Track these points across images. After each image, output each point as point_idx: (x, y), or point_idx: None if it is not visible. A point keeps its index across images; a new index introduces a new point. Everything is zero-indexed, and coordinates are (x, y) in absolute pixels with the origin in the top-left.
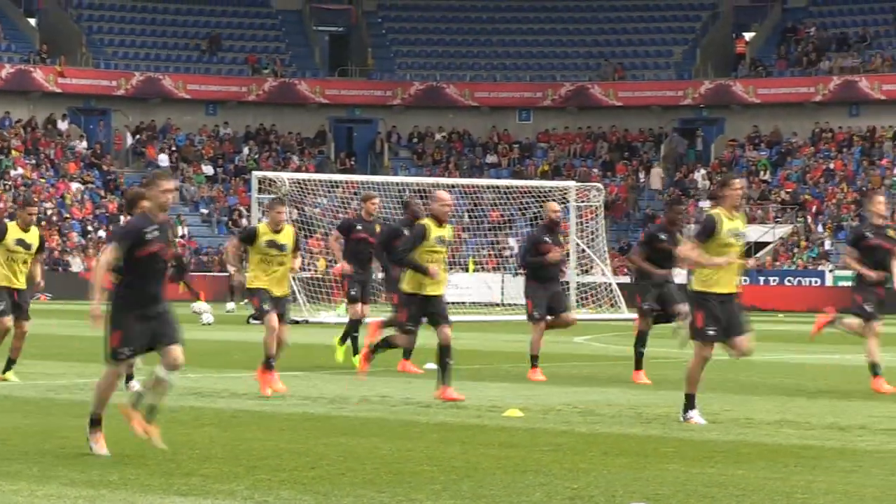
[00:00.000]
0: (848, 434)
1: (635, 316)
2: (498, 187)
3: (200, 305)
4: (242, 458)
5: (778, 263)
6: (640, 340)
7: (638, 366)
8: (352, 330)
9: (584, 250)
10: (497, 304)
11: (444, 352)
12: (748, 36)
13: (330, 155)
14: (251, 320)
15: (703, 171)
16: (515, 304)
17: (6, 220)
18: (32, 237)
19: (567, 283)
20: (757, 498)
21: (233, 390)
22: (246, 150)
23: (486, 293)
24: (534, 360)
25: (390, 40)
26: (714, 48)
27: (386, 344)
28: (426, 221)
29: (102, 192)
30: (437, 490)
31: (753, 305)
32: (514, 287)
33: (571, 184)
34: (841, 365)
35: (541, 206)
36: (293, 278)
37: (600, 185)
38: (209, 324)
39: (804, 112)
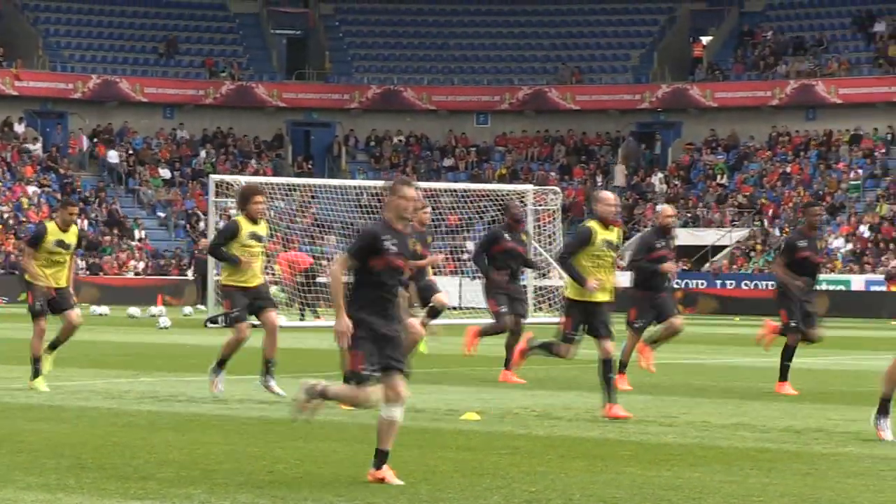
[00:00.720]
0: (804, 437)
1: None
2: (455, 191)
3: (158, 309)
4: (199, 462)
5: (735, 267)
6: (787, 354)
7: (783, 377)
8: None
9: (541, 254)
10: (455, 308)
11: (606, 366)
12: (705, 40)
13: (287, 158)
14: (208, 324)
15: (660, 175)
16: (473, 308)
17: (45, 221)
18: (71, 237)
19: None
20: (713, 501)
21: (190, 394)
22: (203, 154)
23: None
24: (622, 367)
25: (348, 43)
26: (671, 52)
27: (545, 351)
28: (592, 224)
29: (59, 196)
30: (394, 494)
31: (713, 308)
32: (472, 291)
33: (529, 187)
34: (798, 369)
35: (499, 210)
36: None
37: (557, 189)
38: (166, 328)
39: (761, 116)
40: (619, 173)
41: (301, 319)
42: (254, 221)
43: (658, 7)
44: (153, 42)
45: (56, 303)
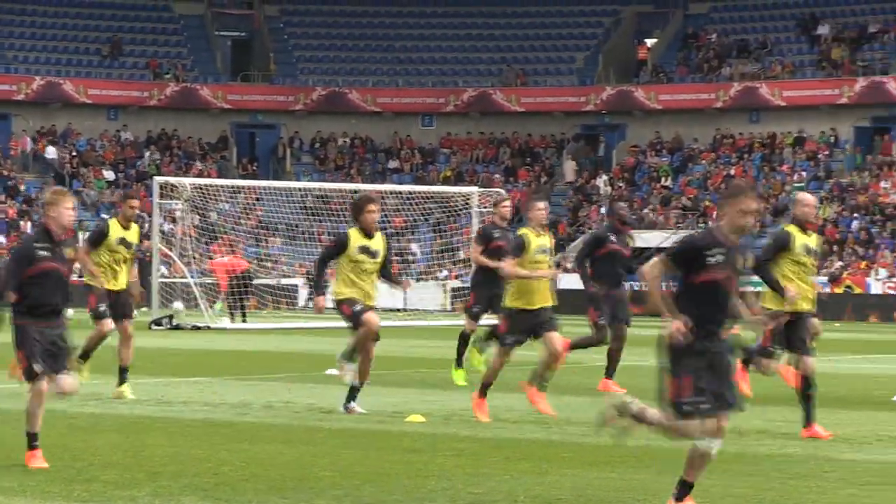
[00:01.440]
0: (747, 438)
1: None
2: (401, 193)
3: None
4: (144, 465)
5: None
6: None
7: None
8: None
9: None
10: (400, 310)
11: (806, 385)
12: (650, 42)
13: (232, 160)
14: (153, 326)
15: (605, 177)
16: (418, 310)
17: (108, 219)
18: (133, 235)
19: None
20: (657, 502)
21: (134, 396)
22: (147, 155)
23: (388, 299)
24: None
25: (293, 45)
26: (616, 54)
27: (762, 356)
28: (790, 228)
29: (2, 198)
30: (339, 496)
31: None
32: (417, 293)
33: (474, 189)
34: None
35: (444, 212)
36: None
37: (502, 191)
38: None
39: (705, 118)
40: (569, 169)
41: (233, 321)
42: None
43: (603, 9)
44: (97, 43)
45: (114, 306)
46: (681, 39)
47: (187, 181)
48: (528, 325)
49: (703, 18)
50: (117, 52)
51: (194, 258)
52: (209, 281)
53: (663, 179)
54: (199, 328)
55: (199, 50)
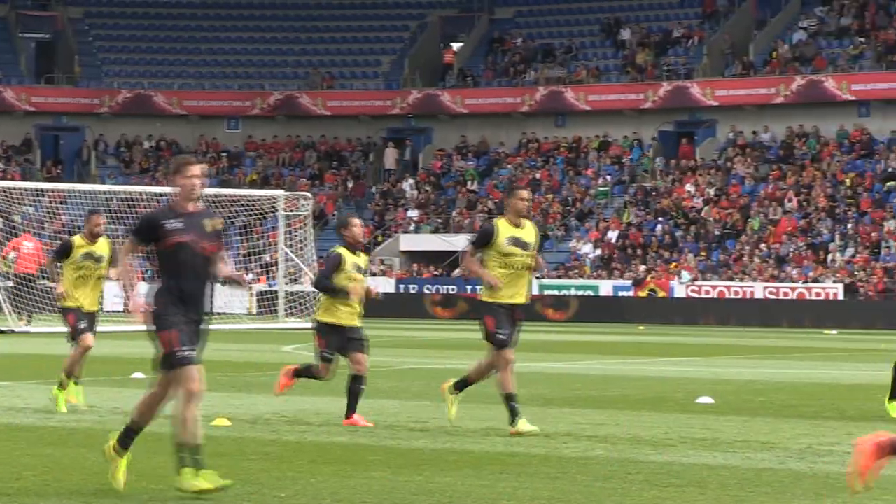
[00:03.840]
0: (553, 441)
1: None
2: (206, 196)
3: None
4: None
5: None
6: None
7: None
8: None
9: (292, 259)
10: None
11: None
12: (456, 46)
13: (36, 163)
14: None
15: (411, 181)
16: (224, 314)
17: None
18: (101, 248)
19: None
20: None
21: None
22: None
23: None
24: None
25: (97, 47)
26: (422, 58)
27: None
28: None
29: None
30: (143, 500)
31: (465, 312)
32: (223, 297)
33: (280, 193)
34: (546, 373)
35: (250, 216)
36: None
37: (308, 195)
38: None
39: (511, 122)
40: (390, 155)
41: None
42: (92, 242)
43: (409, 13)
44: None
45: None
46: (487, 44)
47: None
48: (338, 342)
49: (509, 23)
50: None
51: None
52: (11, 284)
53: (469, 183)
54: (2, 332)
55: (2, 52)
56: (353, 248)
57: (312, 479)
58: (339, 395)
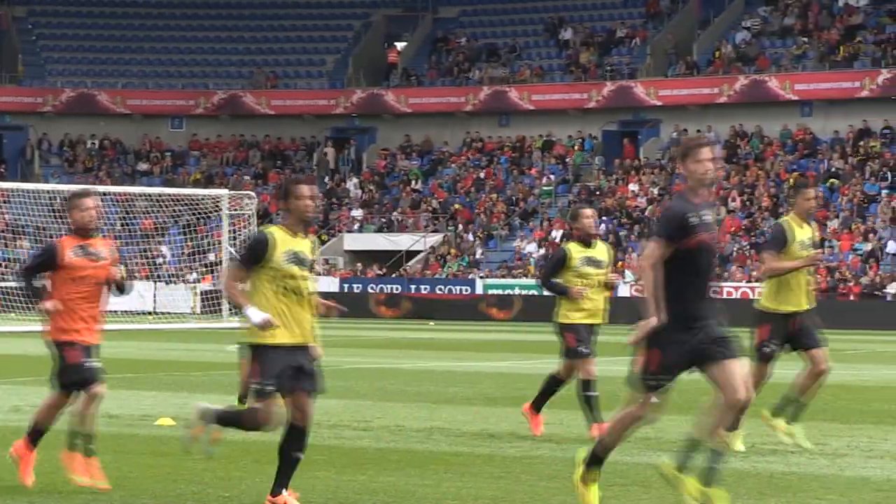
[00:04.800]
0: (497, 441)
1: None
2: (150, 195)
3: None
4: None
5: (429, 272)
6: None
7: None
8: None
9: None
10: (149, 313)
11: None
12: (400, 46)
13: None
14: None
15: (355, 180)
16: (167, 313)
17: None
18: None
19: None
20: (406, 502)
21: None
22: None
23: (138, 302)
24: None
25: (41, 46)
26: (366, 57)
27: None
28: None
29: None
30: (88, 500)
31: (409, 311)
32: (166, 296)
33: (224, 192)
34: (491, 373)
35: (194, 215)
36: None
37: (252, 194)
38: None
39: (455, 121)
40: (331, 156)
41: None
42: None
43: (353, 13)
44: None
45: None
46: (430, 43)
47: None
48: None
49: (453, 22)
50: None
51: None
52: None
53: (413, 182)
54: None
55: None
56: (586, 242)
57: (256, 479)
58: None
